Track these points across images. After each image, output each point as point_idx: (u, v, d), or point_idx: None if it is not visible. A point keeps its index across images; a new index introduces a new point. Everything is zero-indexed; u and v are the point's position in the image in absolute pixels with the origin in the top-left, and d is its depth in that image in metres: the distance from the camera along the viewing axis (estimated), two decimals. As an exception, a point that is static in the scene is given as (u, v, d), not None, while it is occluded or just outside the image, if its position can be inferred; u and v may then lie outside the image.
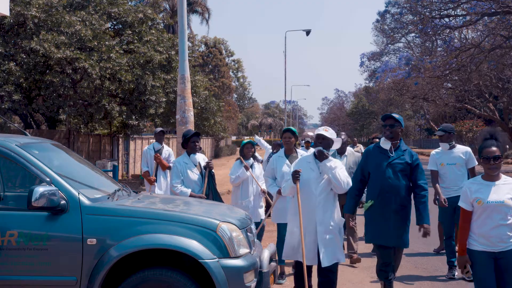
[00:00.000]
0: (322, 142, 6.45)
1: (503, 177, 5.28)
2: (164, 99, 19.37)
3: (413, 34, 37.41)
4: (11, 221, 5.14)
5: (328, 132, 6.52)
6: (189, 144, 8.01)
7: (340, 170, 6.39)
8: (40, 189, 4.96)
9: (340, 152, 9.59)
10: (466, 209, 5.30)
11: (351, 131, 79.64)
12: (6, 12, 9.52)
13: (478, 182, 5.32)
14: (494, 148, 5.15)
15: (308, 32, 42.13)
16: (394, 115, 6.73)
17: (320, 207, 6.39)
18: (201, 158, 8.12)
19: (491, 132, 5.33)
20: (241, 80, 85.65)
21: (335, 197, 6.59)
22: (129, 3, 22.24)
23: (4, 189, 6.37)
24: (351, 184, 6.53)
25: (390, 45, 48.28)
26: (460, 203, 5.37)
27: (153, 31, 20.14)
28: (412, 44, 47.23)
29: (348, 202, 6.98)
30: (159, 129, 11.76)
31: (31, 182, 6.10)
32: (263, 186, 8.70)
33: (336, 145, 6.64)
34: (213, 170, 8.06)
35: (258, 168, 8.80)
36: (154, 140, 11.90)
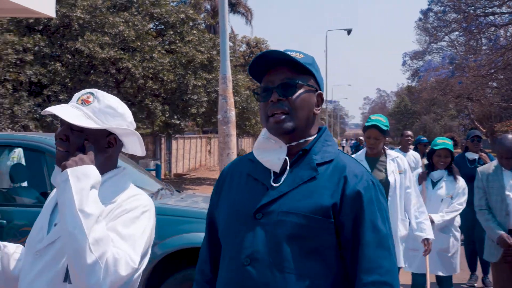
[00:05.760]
0: (72, 139, 2.18)
1: None
2: (205, 99, 19.50)
3: (456, 33, 36.82)
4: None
5: (89, 105, 2.22)
6: None
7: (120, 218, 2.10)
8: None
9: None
10: None
11: (393, 131, 78.83)
12: (52, 14, 9.72)
13: None
14: None
15: (349, 32, 41.85)
16: None
17: None
18: None
19: None
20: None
21: None
22: (171, 3, 22.46)
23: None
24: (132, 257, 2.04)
25: (433, 44, 47.52)
26: None
27: (195, 31, 20.30)
28: (456, 42, 46.41)
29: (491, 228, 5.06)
30: None
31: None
32: None
33: (134, 148, 2.36)
34: None
35: None
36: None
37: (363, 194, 1.91)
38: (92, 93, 2.22)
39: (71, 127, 2.15)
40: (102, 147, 2.20)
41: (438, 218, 5.72)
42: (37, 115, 15.92)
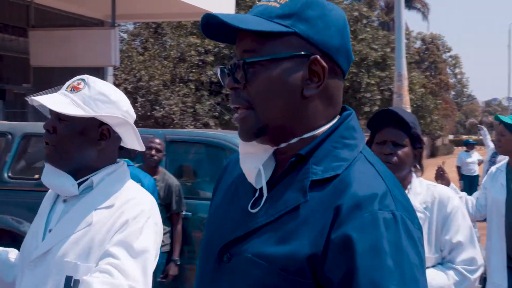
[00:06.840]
0: None
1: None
2: (379, 97, 19.33)
3: None
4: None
5: None
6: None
7: None
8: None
9: None
10: None
11: None
12: (232, 17, 10.21)
13: None
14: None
15: (536, 23, 38.93)
16: None
17: None
18: None
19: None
20: (459, 76, 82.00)
21: None
22: (345, 1, 22.53)
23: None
24: None
25: None
26: None
27: (368, 29, 20.17)
28: None
29: None
30: None
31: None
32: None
33: (131, 141, 2.06)
34: None
35: None
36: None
37: (356, 240, 1.06)
38: (83, 79, 1.95)
39: (59, 117, 1.90)
40: (94, 138, 1.92)
41: None
42: (217, 113, 16.81)
